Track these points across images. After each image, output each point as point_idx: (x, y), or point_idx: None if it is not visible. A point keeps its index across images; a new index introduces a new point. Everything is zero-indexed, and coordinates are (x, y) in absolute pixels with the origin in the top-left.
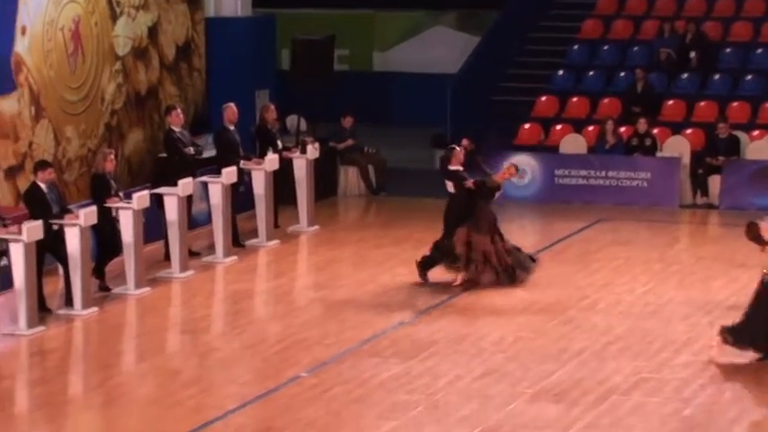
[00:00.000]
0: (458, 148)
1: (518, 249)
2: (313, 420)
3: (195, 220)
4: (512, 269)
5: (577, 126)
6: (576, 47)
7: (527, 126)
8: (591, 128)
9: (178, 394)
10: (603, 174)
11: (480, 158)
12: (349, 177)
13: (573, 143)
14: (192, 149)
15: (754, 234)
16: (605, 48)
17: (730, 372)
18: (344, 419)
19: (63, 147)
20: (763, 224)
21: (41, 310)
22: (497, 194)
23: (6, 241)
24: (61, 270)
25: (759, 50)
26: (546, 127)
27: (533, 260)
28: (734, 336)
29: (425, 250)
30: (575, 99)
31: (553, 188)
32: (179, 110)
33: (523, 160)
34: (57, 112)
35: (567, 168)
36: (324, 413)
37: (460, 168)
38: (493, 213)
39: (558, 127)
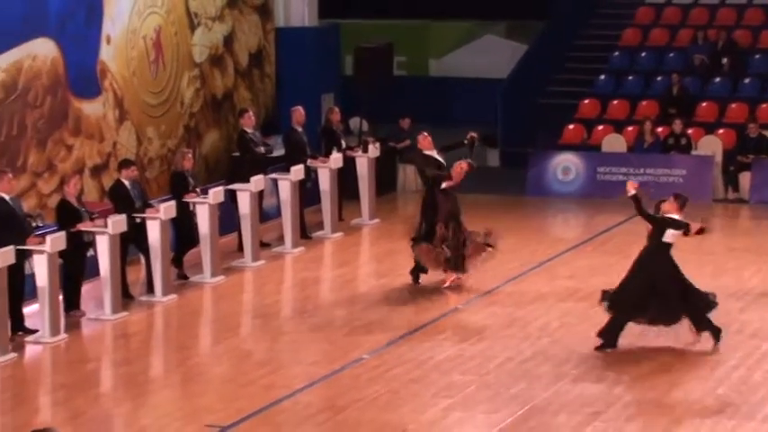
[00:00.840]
0: (424, 134)
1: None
2: (374, 399)
3: (266, 213)
4: (462, 258)
5: (618, 126)
6: (616, 53)
7: (571, 127)
8: (630, 128)
9: (251, 374)
10: (642, 171)
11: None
12: (407, 174)
13: (614, 142)
14: (262, 149)
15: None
16: (644, 54)
17: (760, 355)
18: (403, 398)
19: (144, 146)
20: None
21: (125, 297)
22: (445, 185)
23: (93, 234)
24: (143, 260)
25: None
26: (589, 127)
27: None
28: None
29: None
30: (615, 102)
31: (595, 184)
32: (251, 113)
33: (568, 158)
34: (139, 114)
35: (609, 166)
36: (384, 392)
37: (431, 154)
38: (453, 204)
39: (600, 127)
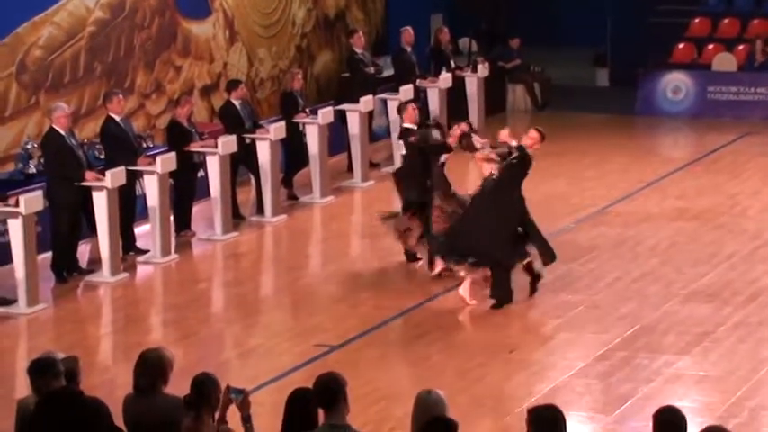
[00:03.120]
0: (411, 105)
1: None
2: (484, 318)
3: (375, 134)
4: None
5: (728, 45)
6: None
7: (681, 46)
8: (741, 47)
9: (360, 294)
10: (753, 90)
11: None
12: (516, 94)
13: (724, 61)
14: (372, 69)
15: (466, 143)
16: None
17: None
18: (512, 318)
19: (256, 67)
20: (476, 137)
21: (235, 218)
22: (444, 156)
23: (204, 154)
24: (253, 180)
25: None
26: (699, 46)
27: None
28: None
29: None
30: (726, 20)
31: (705, 103)
32: (361, 33)
33: (678, 77)
34: (249, 35)
35: (719, 85)
36: (493, 311)
37: (413, 126)
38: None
39: (711, 46)
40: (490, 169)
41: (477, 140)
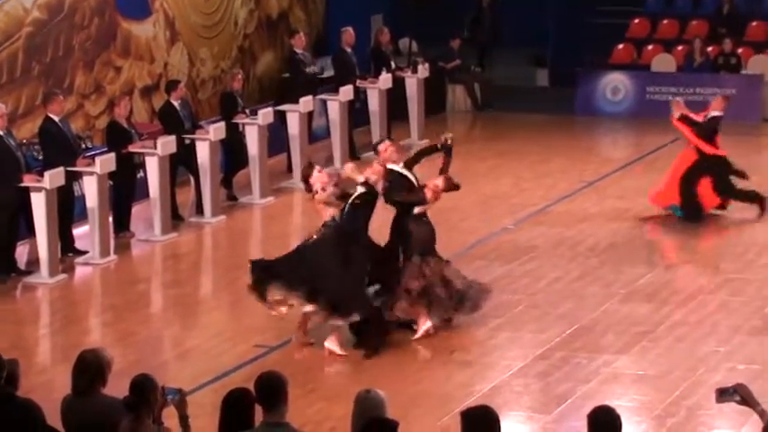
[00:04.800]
0: (386, 143)
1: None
2: None
3: (315, 134)
4: (461, 294)
5: (667, 46)
6: None
7: (621, 46)
8: (680, 48)
9: None
10: (692, 90)
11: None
12: (456, 95)
13: (663, 62)
14: (313, 69)
15: (304, 175)
16: None
17: None
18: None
19: (197, 68)
20: (317, 169)
21: (174, 218)
22: (419, 210)
23: (143, 155)
24: (192, 181)
25: None
26: (638, 47)
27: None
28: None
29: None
30: (665, 21)
31: (645, 104)
32: (302, 33)
33: (618, 78)
34: (191, 35)
35: (658, 85)
36: None
37: (396, 168)
38: (427, 232)
39: (650, 47)
40: (330, 213)
41: (320, 179)
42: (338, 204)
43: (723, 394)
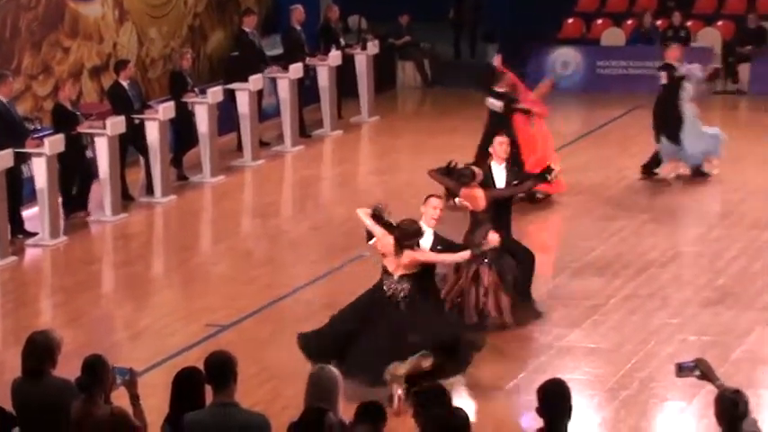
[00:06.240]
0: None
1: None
2: None
3: (265, 112)
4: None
5: (617, 20)
6: None
7: (570, 21)
8: (629, 21)
9: (251, 273)
10: (641, 64)
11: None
12: (406, 71)
13: (612, 36)
14: (262, 48)
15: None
16: None
17: (761, 245)
18: None
19: (146, 47)
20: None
21: (124, 199)
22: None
23: (92, 135)
24: (142, 161)
25: None
26: (588, 21)
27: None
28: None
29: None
30: None
31: (594, 78)
32: (253, 12)
33: (567, 52)
34: (140, 15)
35: (608, 60)
36: None
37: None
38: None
39: (599, 21)
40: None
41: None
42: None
43: (683, 369)
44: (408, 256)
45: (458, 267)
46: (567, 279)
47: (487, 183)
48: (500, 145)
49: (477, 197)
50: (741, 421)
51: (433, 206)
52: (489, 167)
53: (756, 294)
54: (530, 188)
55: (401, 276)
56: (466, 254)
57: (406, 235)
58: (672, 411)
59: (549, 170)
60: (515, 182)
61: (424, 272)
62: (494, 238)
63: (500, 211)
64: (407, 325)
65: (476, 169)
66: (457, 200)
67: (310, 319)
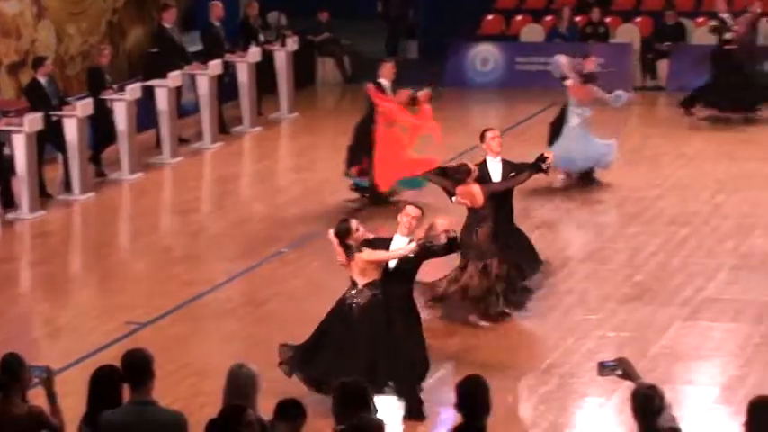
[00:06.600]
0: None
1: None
2: (293, 291)
3: (184, 109)
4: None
5: (536, 16)
6: None
7: (490, 17)
8: (548, 18)
9: (170, 270)
10: None
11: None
12: (326, 67)
13: (532, 32)
14: (180, 44)
15: (342, 231)
16: None
17: (678, 241)
18: (323, 290)
19: (65, 44)
20: (354, 224)
21: (42, 196)
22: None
23: (9, 132)
24: (60, 158)
25: None
26: (507, 18)
27: None
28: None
29: None
30: None
31: (514, 74)
32: (172, 8)
33: (487, 49)
34: (58, 11)
35: (527, 56)
36: (303, 285)
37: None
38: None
39: (519, 17)
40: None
41: (361, 237)
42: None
43: (605, 368)
44: (359, 258)
45: (464, 266)
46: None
47: (483, 178)
48: (492, 139)
49: (474, 193)
50: (657, 416)
51: (404, 213)
52: (484, 162)
53: (674, 290)
54: (526, 179)
55: (365, 285)
56: (412, 247)
57: (340, 233)
58: (591, 407)
59: (542, 159)
60: (512, 174)
61: (393, 280)
62: (442, 224)
63: (500, 204)
64: (355, 341)
65: (471, 165)
66: (454, 199)
67: (229, 317)
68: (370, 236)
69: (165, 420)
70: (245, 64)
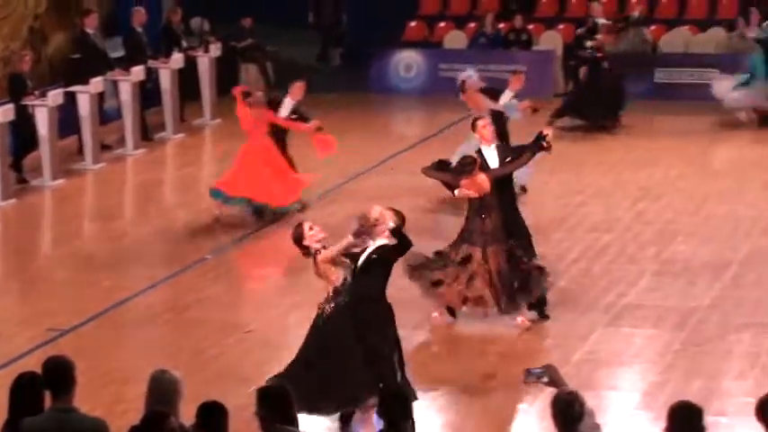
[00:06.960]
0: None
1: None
2: (217, 298)
3: (106, 115)
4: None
5: (459, 23)
6: None
7: (413, 24)
8: (472, 24)
9: (92, 277)
10: (483, 67)
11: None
12: (249, 73)
13: (455, 39)
14: (103, 49)
15: (296, 236)
16: None
17: (601, 247)
18: (246, 297)
19: None
20: (306, 226)
21: None
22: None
23: None
24: None
25: None
26: (430, 24)
27: None
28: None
29: None
30: None
31: (437, 81)
32: (94, 13)
33: (410, 55)
34: None
35: (450, 62)
36: (226, 291)
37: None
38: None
39: (442, 24)
40: (339, 276)
41: (315, 237)
42: (347, 264)
43: (531, 375)
44: (320, 263)
45: (468, 257)
46: (408, 281)
47: (481, 167)
48: (483, 128)
49: (481, 182)
50: (577, 422)
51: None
52: (479, 152)
53: (597, 296)
54: (528, 160)
55: (333, 291)
56: (349, 240)
57: (294, 237)
58: (514, 413)
59: (542, 136)
60: (511, 158)
61: (361, 281)
62: (376, 209)
63: (501, 190)
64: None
65: (474, 156)
66: (457, 192)
67: (152, 323)
68: (324, 234)
69: (87, 427)
70: (167, 70)
